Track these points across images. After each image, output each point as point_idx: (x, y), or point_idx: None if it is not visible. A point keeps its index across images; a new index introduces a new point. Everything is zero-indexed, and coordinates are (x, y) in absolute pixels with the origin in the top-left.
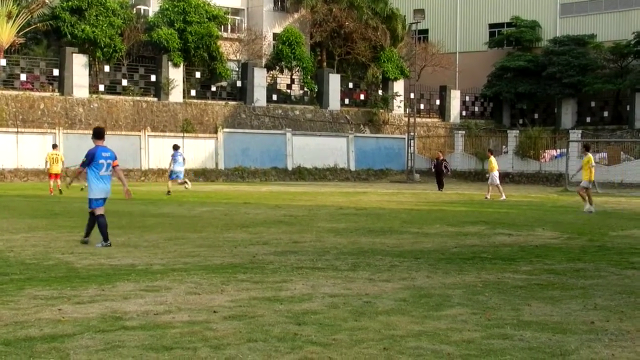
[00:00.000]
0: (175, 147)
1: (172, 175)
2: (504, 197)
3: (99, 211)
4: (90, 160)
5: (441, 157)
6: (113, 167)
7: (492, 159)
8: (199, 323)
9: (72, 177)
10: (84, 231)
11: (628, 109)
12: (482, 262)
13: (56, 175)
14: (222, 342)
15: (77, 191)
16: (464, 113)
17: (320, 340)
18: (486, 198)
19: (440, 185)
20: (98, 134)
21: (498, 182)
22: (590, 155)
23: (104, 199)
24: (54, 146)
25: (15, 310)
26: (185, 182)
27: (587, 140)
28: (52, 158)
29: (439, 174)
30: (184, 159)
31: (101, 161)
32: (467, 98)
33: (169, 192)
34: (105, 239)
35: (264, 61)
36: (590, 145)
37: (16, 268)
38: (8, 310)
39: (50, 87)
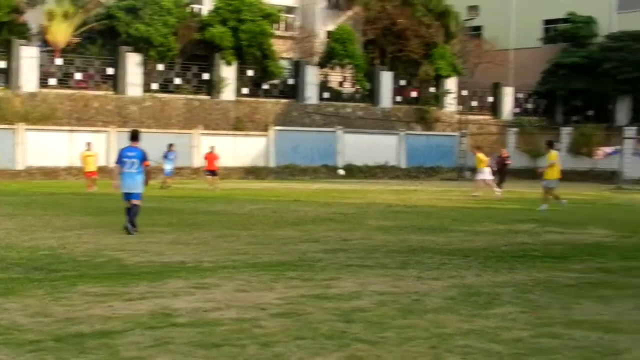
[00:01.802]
0: (170, 146)
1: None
2: (478, 193)
3: (125, 204)
4: (118, 158)
5: (505, 154)
6: (144, 166)
7: (481, 155)
8: (247, 320)
9: (114, 178)
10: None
11: None
12: (532, 260)
13: (91, 173)
14: (270, 340)
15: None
16: (516, 110)
17: (368, 338)
18: (497, 194)
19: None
20: (131, 136)
21: (485, 178)
22: (553, 151)
23: (129, 194)
24: (87, 144)
25: (68, 307)
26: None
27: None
28: (84, 157)
29: (503, 172)
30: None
31: (125, 159)
32: (520, 95)
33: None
34: (132, 223)
35: (316, 59)
36: (555, 142)
37: (68, 265)
38: (60, 306)
39: (105, 85)
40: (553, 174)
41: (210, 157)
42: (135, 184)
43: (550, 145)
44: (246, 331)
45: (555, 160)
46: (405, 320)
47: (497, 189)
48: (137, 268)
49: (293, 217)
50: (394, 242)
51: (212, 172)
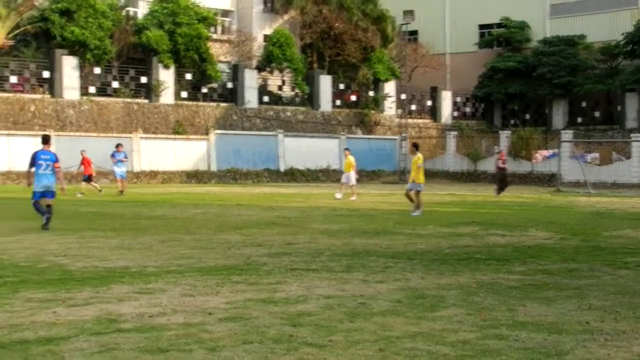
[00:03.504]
0: (117, 146)
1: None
2: (340, 195)
3: (40, 202)
4: (32, 160)
5: (504, 156)
6: (55, 168)
7: (350, 158)
8: (194, 325)
9: (27, 179)
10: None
11: (619, 109)
12: (476, 262)
13: None
14: (217, 344)
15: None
16: (455, 114)
17: (315, 341)
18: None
19: (502, 189)
20: (42, 140)
21: (354, 182)
22: (420, 154)
23: (43, 192)
24: None
25: (10, 313)
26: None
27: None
28: None
29: (504, 176)
30: (125, 158)
31: (40, 162)
32: (458, 99)
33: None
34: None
35: (254, 62)
36: (419, 144)
37: (10, 271)
38: (3, 313)
39: (41, 89)
40: (421, 177)
41: (86, 161)
42: (52, 184)
43: (416, 148)
44: (193, 336)
45: (422, 163)
46: (352, 323)
47: (339, 195)
48: (81, 273)
49: (236, 221)
50: (339, 246)
51: (89, 177)
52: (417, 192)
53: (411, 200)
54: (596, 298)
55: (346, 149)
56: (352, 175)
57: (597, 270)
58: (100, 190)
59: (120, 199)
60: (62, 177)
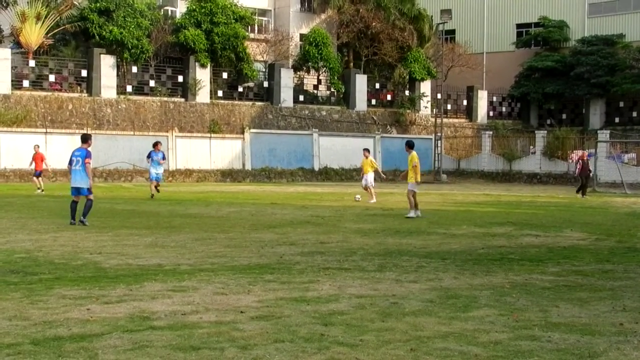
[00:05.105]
0: (155, 145)
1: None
2: (374, 199)
3: (74, 198)
4: (69, 159)
5: (586, 157)
6: (85, 163)
7: (370, 159)
8: (226, 323)
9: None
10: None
11: None
12: (509, 263)
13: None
14: (249, 343)
15: (102, 191)
16: (491, 113)
17: (347, 340)
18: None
19: (584, 191)
20: (81, 139)
21: (372, 184)
22: (414, 153)
23: (76, 188)
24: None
25: (44, 310)
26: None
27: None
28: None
29: (587, 177)
30: (163, 158)
31: (72, 158)
32: (495, 98)
33: (152, 195)
34: (84, 215)
35: (290, 62)
36: (414, 143)
37: (45, 268)
38: (37, 309)
39: (79, 87)
40: (417, 177)
41: (38, 157)
42: (82, 180)
43: (411, 146)
44: (225, 334)
45: (417, 162)
46: (383, 323)
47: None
48: (115, 271)
49: (270, 220)
50: (372, 245)
51: (40, 173)
52: (413, 193)
53: (409, 201)
54: (631, 299)
55: (365, 149)
56: (370, 177)
57: (632, 271)
58: (42, 190)
59: (153, 199)
60: (89, 173)
